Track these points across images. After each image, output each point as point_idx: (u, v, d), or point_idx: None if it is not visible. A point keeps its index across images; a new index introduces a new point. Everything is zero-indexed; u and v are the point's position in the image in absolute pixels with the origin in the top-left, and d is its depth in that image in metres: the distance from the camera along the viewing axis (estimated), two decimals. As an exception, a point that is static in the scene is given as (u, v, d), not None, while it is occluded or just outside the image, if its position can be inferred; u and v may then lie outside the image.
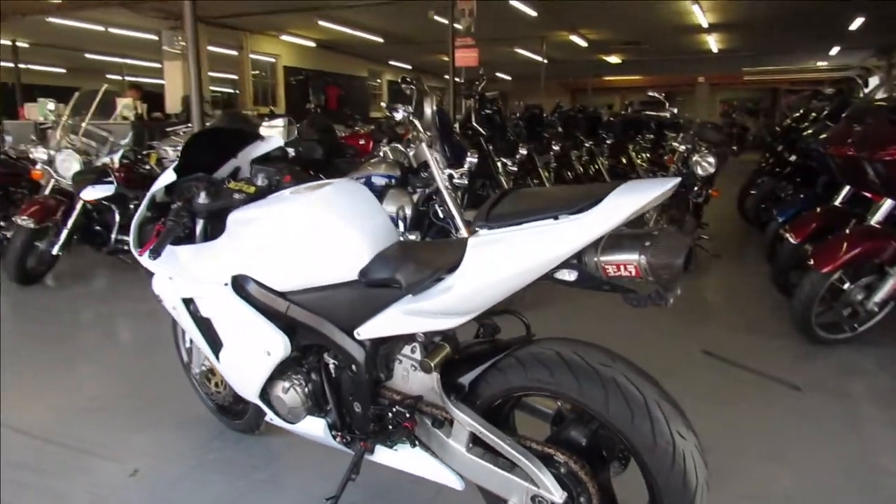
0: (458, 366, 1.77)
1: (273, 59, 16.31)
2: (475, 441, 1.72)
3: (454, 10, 8.13)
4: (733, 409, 2.89)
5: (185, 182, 2.16)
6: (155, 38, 13.68)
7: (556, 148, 6.11)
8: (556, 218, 1.43)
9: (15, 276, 4.94)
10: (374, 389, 1.89)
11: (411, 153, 4.35)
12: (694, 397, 2.97)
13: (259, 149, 2.37)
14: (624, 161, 8.66)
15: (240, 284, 1.99)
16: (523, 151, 5.12)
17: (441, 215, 4.20)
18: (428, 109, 4.13)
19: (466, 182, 4.23)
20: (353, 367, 1.87)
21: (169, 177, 2.12)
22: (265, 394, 2.06)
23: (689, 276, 5.37)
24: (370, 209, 1.98)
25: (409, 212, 4.12)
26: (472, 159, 4.24)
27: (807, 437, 2.63)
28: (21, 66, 17.79)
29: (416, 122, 4.18)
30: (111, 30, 13.81)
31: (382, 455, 1.95)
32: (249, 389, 2.07)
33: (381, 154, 4.59)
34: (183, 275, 2.12)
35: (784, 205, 5.30)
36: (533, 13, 11.65)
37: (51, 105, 5.58)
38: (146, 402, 2.94)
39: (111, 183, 4.93)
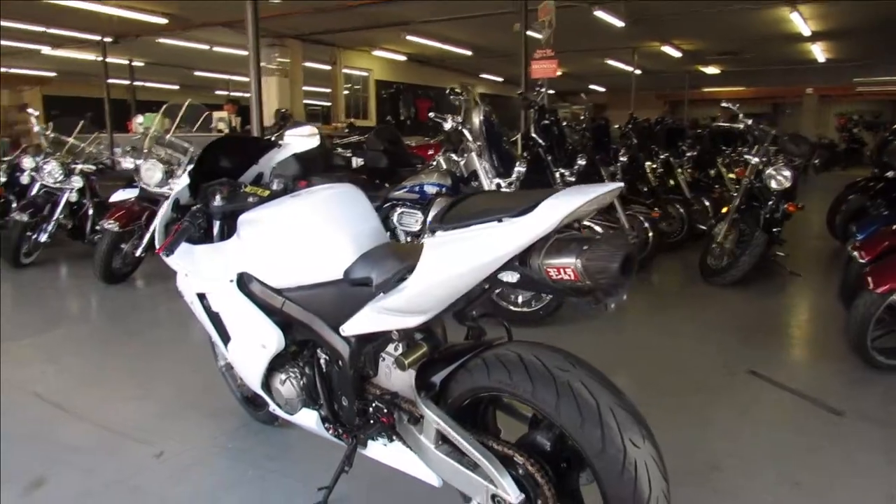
0: (435, 365, 1.82)
1: (365, 74, 16.84)
2: (443, 439, 1.76)
3: (527, 20, 8.16)
4: (763, 429, 2.77)
5: (209, 186, 2.32)
6: (256, 55, 14.44)
7: (622, 159, 6.00)
8: (499, 220, 1.45)
9: (102, 275, 5.37)
10: (360, 385, 1.97)
11: (462, 163, 4.42)
12: (725, 416, 2.90)
13: (279, 155, 2.51)
14: (712, 174, 8.37)
15: (243, 281, 2.12)
16: (581, 162, 5.07)
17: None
18: (476, 119, 4.19)
19: (513, 191, 4.25)
20: (340, 362, 1.95)
21: (184, 181, 2.29)
22: (267, 385, 2.18)
23: (760, 295, 5.14)
24: (361, 213, 2.06)
25: (455, 220, 4.18)
26: (520, 169, 4.26)
27: (835, 465, 2.48)
28: (138, 83, 19.26)
29: (466, 132, 4.27)
30: (215, 48, 14.71)
31: (373, 449, 2.01)
32: (253, 380, 2.20)
33: (435, 163, 4.67)
34: (197, 272, 2.27)
35: (865, 221, 4.98)
36: (620, 23, 11.46)
37: (140, 118, 6.04)
38: (190, 392, 3.13)
39: (136, 187, 5.42)
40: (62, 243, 6.80)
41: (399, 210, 4.46)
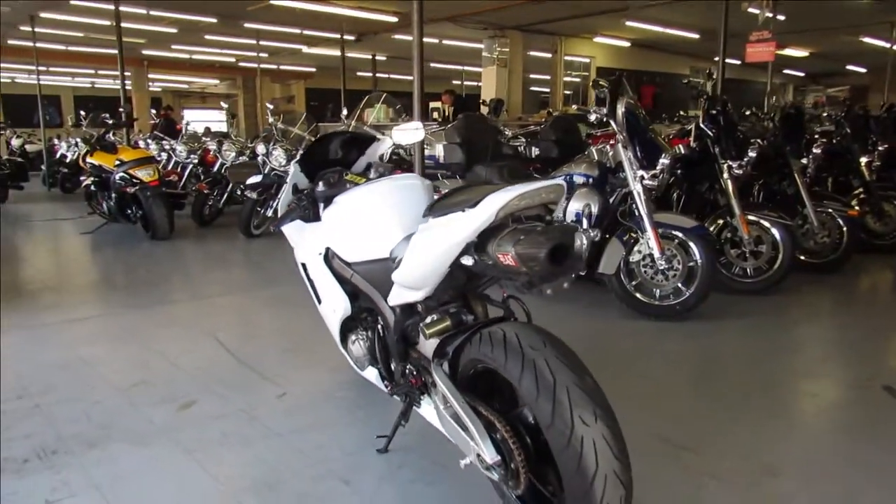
0: (454, 337, 2.05)
1: (587, 60, 16.77)
2: (447, 402, 1.99)
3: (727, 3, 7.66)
4: (862, 444, 2.56)
5: (325, 173, 2.76)
6: (481, 46, 15.13)
7: (816, 151, 5.48)
8: (463, 210, 1.65)
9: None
10: (405, 349, 2.26)
11: (611, 154, 4.46)
12: (824, 426, 2.74)
13: (381, 147, 2.87)
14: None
15: (328, 255, 2.52)
16: (752, 154, 4.78)
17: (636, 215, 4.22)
18: (619, 111, 4.21)
19: (656, 184, 4.21)
20: (388, 328, 2.27)
21: (293, 169, 2.73)
22: (346, 344, 2.56)
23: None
24: (415, 201, 2.34)
25: (595, 210, 4.26)
26: (664, 161, 4.22)
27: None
28: (382, 75, 21.16)
29: (613, 123, 4.30)
30: (444, 42, 15.67)
31: (424, 408, 2.31)
32: (335, 338, 2.60)
33: (587, 153, 4.74)
34: (302, 245, 2.73)
35: None
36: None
37: (345, 111, 6.83)
38: (327, 348, 3.64)
39: (260, 174, 6.36)
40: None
41: (548, 199, 4.62)
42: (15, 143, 17.84)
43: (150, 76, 21.95)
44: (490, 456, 1.78)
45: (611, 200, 4.45)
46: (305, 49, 17.56)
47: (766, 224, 4.75)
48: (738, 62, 20.16)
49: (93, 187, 8.19)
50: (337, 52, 17.52)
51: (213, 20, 13.23)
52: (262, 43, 15.82)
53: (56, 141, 14.27)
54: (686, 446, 2.54)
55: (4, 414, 2.90)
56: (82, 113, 10.27)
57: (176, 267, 6.17)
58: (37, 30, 13.28)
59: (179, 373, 3.37)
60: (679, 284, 4.19)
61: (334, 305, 2.47)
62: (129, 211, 7.50)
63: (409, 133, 2.90)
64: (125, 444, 2.60)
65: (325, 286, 2.54)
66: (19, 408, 2.97)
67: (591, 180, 4.46)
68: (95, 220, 8.20)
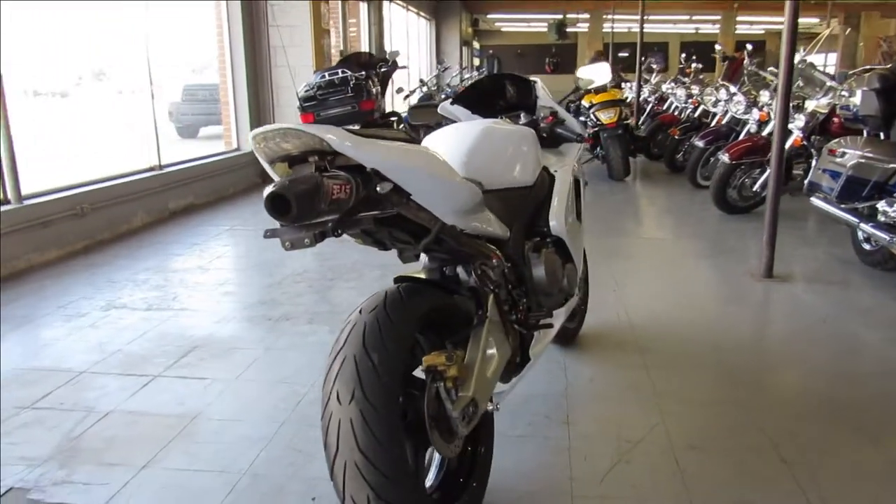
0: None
1: None
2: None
3: None
4: None
5: (508, 115, 2.74)
6: None
7: None
8: None
9: (715, 202, 5.67)
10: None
11: None
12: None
13: (540, 92, 2.64)
14: None
15: None
16: None
17: None
18: None
19: None
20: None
21: (455, 108, 2.70)
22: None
23: None
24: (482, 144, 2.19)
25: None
26: None
27: None
28: None
29: None
30: None
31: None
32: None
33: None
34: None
35: None
36: None
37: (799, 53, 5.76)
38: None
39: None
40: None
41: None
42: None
43: (744, 19, 21.48)
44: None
45: None
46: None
47: None
48: None
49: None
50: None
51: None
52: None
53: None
54: None
55: (297, 289, 3.87)
56: (682, 56, 10.99)
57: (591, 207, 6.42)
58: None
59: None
60: None
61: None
62: (595, 150, 7.98)
63: (594, 74, 2.62)
64: (323, 327, 3.24)
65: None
66: (304, 290, 3.87)
67: None
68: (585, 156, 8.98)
